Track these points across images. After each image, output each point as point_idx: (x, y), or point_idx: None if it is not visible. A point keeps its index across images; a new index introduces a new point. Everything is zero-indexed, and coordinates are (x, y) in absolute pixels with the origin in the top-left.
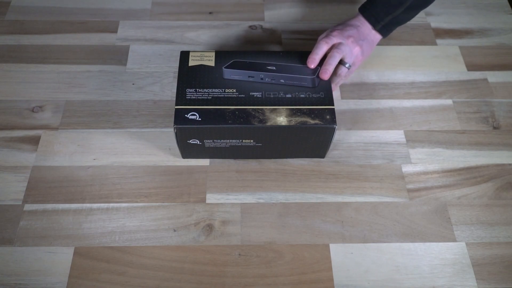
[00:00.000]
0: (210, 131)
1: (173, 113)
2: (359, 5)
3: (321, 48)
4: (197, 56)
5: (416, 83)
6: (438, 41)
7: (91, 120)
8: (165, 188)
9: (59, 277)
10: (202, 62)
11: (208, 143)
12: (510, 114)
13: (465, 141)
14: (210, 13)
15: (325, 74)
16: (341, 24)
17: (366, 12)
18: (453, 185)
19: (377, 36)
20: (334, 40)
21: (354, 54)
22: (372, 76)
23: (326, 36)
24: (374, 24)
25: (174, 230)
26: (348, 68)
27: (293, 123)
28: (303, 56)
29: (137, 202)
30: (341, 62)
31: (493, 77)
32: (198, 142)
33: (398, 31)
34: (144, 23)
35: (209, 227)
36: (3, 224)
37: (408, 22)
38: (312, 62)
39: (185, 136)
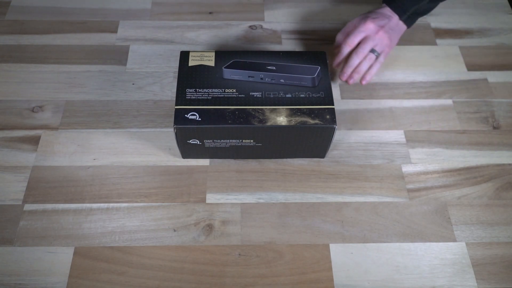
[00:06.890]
0: (210, 131)
1: (173, 113)
2: (359, 5)
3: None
4: (197, 56)
5: (416, 83)
6: (438, 41)
7: (91, 120)
8: (165, 188)
9: (59, 277)
10: (202, 62)
11: (208, 143)
12: (510, 114)
13: (465, 141)
14: (210, 13)
15: (363, 78)
16: (372, 13)
17: (393, 3)
18: (453, 185)
19: (403, 27)
20: (363, 34)
21: (384, 43)
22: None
23: (358, 27)
24: (401, 15)
25: (174, 230)
26: (377, 56)
27: (293, 123)
28: (303, 56)
29: (137, 202)
30: (371, 50)
31: (493, 77)
32: (198, 142)
33: None
34: (144, 23)
35: (209, 227)
36: (3, 224)
37: None
38: (344, 74)
39: (185, 136)
